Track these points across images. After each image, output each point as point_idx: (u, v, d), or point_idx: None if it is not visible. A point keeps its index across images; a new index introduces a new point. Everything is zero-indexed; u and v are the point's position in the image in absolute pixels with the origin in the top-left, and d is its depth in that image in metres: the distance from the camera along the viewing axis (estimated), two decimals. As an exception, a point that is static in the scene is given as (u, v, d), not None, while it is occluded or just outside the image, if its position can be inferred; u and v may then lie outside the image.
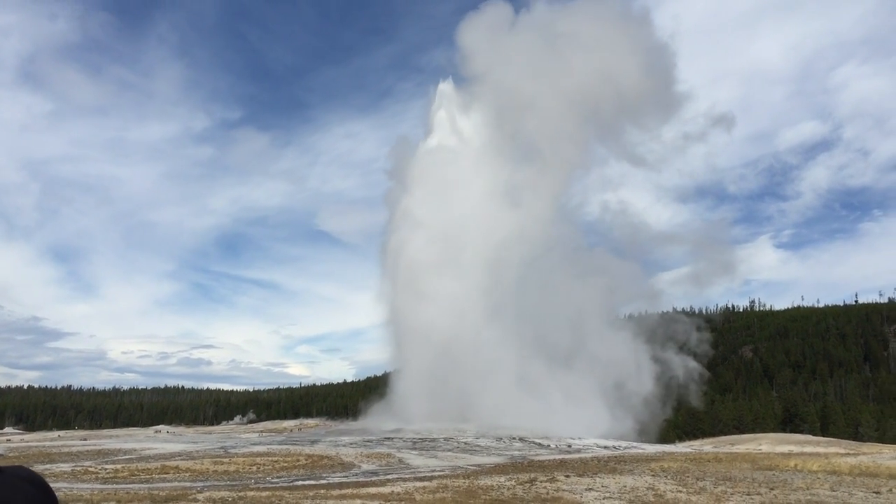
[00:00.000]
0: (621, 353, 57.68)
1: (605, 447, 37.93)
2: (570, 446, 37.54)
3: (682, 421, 74.32)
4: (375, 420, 58.88)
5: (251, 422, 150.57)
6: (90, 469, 24.44)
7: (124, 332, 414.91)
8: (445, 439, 37.62)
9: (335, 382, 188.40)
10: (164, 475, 22.94)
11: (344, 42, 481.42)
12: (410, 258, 60.76)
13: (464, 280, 58.48)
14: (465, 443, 36.78)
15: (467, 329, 56.44)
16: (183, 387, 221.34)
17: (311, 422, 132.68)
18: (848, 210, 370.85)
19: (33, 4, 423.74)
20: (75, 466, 25.42)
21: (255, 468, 25.34)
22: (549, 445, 37.65)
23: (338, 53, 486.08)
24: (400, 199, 65.05)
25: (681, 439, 62.35)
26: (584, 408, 53.10)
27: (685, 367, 62.22)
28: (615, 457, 30.69)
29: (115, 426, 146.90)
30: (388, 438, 38.24)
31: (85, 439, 50.95)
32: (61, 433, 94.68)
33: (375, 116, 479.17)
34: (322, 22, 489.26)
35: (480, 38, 65.59)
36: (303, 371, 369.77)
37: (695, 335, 66.43)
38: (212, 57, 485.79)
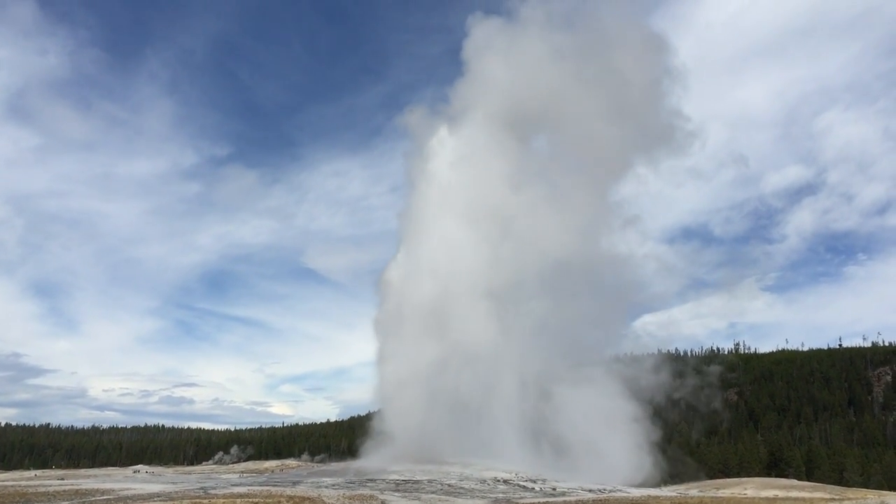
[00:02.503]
0: (607, 395, 57.41)
1: (591, 490, 37.63)
2: (554, 489, 37.20)
3: (667, 464, 73.93)
4: (359, 461, 58.20)
5: (232, 462, 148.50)
6: (66, 509, 23.98)
7: (106, 370, 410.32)
8: (429, 481, 37.20)
9: (318, 422, 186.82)
10: (142, 516, 22.54)
11: (334, 80, 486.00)
12: (407, 297, 60.22)
13: (458, 320, 57.93)
14: (449, 485, 36.39)
15: (456, 370, 55.99)
16: (164, 425, 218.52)
17: (293, 462, 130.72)
18: (833, 254, 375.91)
19: (24, 40, 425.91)
20: (51, 507, 24.93)
21: (235, 510, 24.95)
22: (533, 488, 37.32)
23: (328, 92, 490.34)
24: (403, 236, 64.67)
25: (666, 483, 61.93)
26: (570, 451, 52.88)
27: (672, 409, 62.08)
28: (600, 500, 30.45)
29: (93, 465, 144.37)
30: (371, 480, 37.77)
31: (62, 479, 49.97)
32: (38, 472, 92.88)
33: (364, 155, 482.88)
34: (312, 60, 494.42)
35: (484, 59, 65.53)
36: (286, 410, 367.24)
37: (680, 378, 66.39)
38: (202, 94, 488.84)
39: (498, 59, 65.04)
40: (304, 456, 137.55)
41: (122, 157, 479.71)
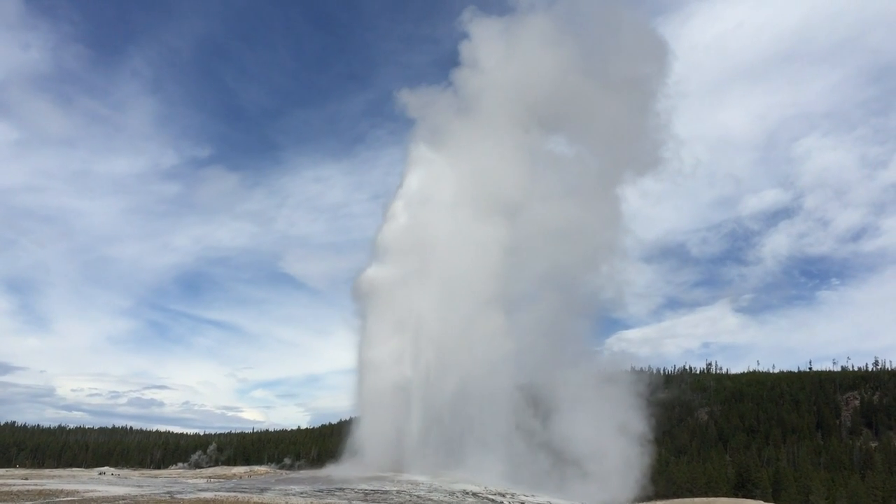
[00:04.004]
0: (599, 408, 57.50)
1: (558, 506, 37.74)
2: (523, 503, 37.27)
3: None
4: (329, 469, 57.87)
5: (199, 466, 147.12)
6: (29, 510, 23.69)
7: (75, 369, 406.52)
8: (398, 492, 37.10)
9: (289, 429, 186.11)
10: (106, 519, 22.31)
11: (319, 86, 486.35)
12: (389, 301, 59.55)
13: (442, 329, 57.60)
14: (418, 496, 36.31)
15: (434, 381, 55.78)
16: (131, 427, 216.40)
17: (262, 468, 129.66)
18: (807, 278, 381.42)
19: (6, 33, 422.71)
20: (13, 507, 24.61)
21: (201, 515, 24.76)
22: (502, 502, 37.35)
23: (312, 97, 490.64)
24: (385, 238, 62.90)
25: (651, 500, 62.15)
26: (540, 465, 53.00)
27: (641, 427, 62.08)
28: (567, 516, 30.54)
29: (58, 466, 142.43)
30: (340, 489, 37.60)
31: (26, 478, 49.32)
32: (1, 471, 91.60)
33: (347, 161, 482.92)
34: (298, 65, 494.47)
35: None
36: (257, 416, 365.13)
37: (651, 396, 66.46)
38: (185, 94, 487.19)
39: (499, 54, 64.67)
40: (273, 463, 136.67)
41: (102, 155, 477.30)
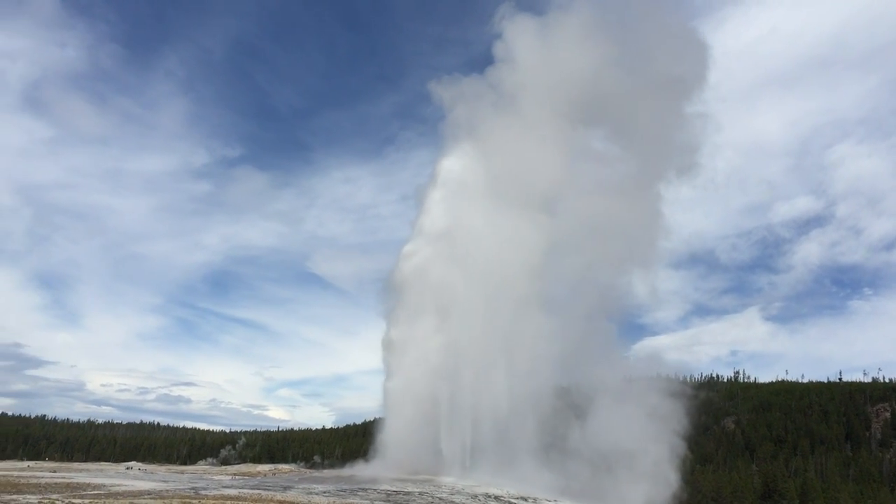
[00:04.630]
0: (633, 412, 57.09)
1: (581, 511, 37.58)
2: (545, 508, 37.19)
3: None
4: (352, 469, 58.09)
5: (225, 463, 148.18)
6: (57, 502, 24.05)
7: (105, 364, 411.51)
8: (420, 493, 37.17)
9: (314, 428, 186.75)
10: (132, 513, 22.59)
11: (349, 87, 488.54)
12: (420, 299, 59.44)
13: (464, 331, 57.45)
14: (440, 498, 36.35)
15: (463, 384, 55.69)
16: (159, 423, 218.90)
17: (286, 467, 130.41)
18: (838, 287, 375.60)
19: (44, 31, 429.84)
20: (42, 499, 25.00)
21: (224, 511, 24.99)
22: (524, 506, 37.30)
23: (343, 98, 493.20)
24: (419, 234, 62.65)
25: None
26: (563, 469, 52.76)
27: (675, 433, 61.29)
28: (590, 522, 30.40)
29: (86, 459, 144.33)
30: (363, 489, 37.74)
31: (55, 471, 50.09)
32: (31, 463, 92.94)
33: (376, 163, 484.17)
34: (329, 66, 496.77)
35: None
36: (282, 415, 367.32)
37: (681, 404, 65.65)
38: (217, 94, 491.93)
39: (535, 50, 64.18)
40: (301, 462, 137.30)
41: (134, 153, 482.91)
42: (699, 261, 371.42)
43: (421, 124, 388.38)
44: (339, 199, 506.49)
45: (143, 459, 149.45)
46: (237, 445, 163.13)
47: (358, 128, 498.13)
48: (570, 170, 63.26)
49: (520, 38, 64.71)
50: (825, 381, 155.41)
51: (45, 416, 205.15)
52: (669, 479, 56.35)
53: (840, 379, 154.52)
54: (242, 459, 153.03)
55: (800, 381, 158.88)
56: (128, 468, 77.87)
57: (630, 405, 57.53)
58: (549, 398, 57.13)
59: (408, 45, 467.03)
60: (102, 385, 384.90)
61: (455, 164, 62.93)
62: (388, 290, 62.03)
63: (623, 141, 66.15)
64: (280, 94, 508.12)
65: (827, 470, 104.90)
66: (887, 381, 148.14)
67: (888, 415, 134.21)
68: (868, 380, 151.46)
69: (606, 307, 62.82)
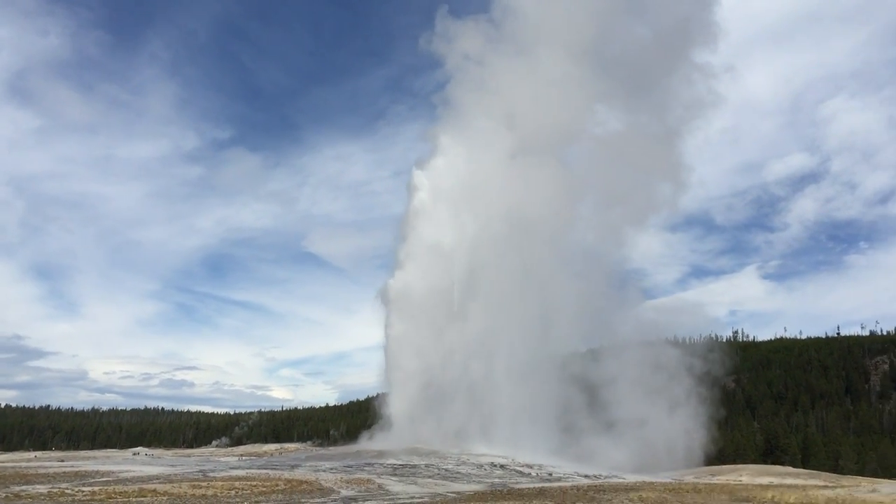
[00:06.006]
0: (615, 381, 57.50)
1: (586, 476, 37.90)
2: (550, 475, 37.51)
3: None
4: (358, 444, 58.46)
5: (231, 445, 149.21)
6: (66, 491, 24.21)
7: (106, 352, 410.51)
8: (427, 465, 37.50)
9: (317, 406, 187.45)
10: (142, 498, 22.76)
11: (338, 63, 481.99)
12: (418, 281, 59.74)
13: (468, 304, 57.70)
14: (446, 469, 36.68)
15: (464, 356, 55.94)
16: (163, 408, 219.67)
17: (291, 446, 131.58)
18: (834, 242, 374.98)
19: (25, 19, 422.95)
20: (52, 488, 25.17)
21: (233, 492, 25.19)
22: (529, 473, 37.61)
23: (331, 75, 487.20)
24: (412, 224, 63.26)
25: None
26: (564, 435, 53.26)
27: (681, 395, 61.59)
28: (595, 486, 30.70)
29: (92, 447, 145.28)
30: (369, 464, 38.07)
31: (62, 460, 50.38)
32: (38, 454, 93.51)
33: (367, 139, 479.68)
34: (316, 43, 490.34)
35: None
36: (286, 394, 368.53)
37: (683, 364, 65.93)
38: (204, 76, 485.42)
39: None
40: (309, 441, 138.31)
41: (124, 140, 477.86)
42: (695, 222, 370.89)
43: (412, 98, 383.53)
44: (332, 177, 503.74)
45: (149, 445, 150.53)
46: (250, 422, 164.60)
47: (348, 104, 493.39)
48: (585, 111, 63.93)
49: None
50: (823, 336, 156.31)
51: (49, 406, 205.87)
52: (677, 441, 56.93)
53: (838, 334, 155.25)
54: (250, 439, 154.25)
55: (798, 337, 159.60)
56: (135, 454, 78.46)
57: (636, 371, 57.93)
58: (558, 366, 57.46)
59: (396, 18, 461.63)
60: (105, 373, 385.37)
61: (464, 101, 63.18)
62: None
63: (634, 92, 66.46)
64: (267, 74, 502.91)
65: (828, 424, 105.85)
66: (885, 333, 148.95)
67: (886, 367, 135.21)
68: (866, 333, 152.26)
69: (612, 271, 63.65)
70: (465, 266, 58.95)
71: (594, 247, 64.38)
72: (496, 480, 33.81)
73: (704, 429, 57.88)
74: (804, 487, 31.71)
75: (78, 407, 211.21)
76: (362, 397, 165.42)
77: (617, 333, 63.81)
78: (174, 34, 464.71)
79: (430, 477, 33.42)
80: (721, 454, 77.35)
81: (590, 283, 61.29)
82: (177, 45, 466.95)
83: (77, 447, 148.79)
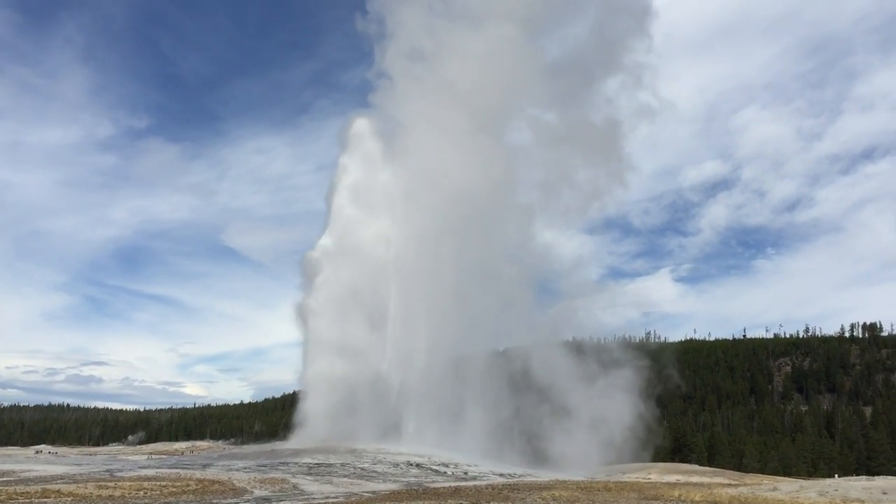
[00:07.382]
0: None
1: (501, 475, 38.31)
2: (466, 473, 37.76)
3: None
4: (273, 443, 57.75)
5: (140, 443, 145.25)
6: (-38, 492, 23.13)
7: (8, 346, 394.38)
8: (342, 465, 37.25)
9: (232, 403, 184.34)
10: (45, 499, 21.91)
11: (261, 55, 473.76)
12: (335, 278, 59.33)
13: (385, 303, 57.63)
14: (362, 468, 36.52)
15: (382, 354, 55.94)
16: (69, 405, 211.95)
17: (204, 444, 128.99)
18: (743, 247, 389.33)
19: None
20: (-54, 489, 24.00)
21: (141, 493, 24.49)
22: (445, 472, 37.78)
23: (254, 66, 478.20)
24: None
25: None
26: (487, 434, 53.72)
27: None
28: (510, 485, 31.06)
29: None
30: (284, 463, 37.59)
31: (-42, 459, 48.13)
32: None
33: (290, 132, 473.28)
34: (240, 33, 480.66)
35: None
36: (199, 391, 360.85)
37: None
38: (121, 62, 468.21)
39: None
40: (222, 440, 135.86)
41: (33, 126, 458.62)
42: (613, 225, 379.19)
43: (337, 92, 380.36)
44: (253, 171, 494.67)
45: (52, 442, 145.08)
46: (161, 420, 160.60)
47: (271, 97, 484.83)
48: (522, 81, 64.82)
49: None
50: (730, 338, 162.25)
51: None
52: (595, 439, 58.04)
53: (744, 336, 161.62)
54: (160, 436, 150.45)
55: (707, 339, 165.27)
56: (37, 452, 75.58)
57: (555, 370, 58.85)
58: (481, 365, 57.94)
59: (322, 11, 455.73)
60: (7, 367, 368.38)
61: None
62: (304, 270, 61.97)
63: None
64: (188, 63, 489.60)
65: (733, 423, 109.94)
66: (788, 336, 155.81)
67: (789, 369, 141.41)
68: (770, 336, 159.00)
69: (533, 272, 64.60)
70: (387, 264, 58.87)
71: (517, 247, 65.13)
72: (412, 479, 33.85)
73: (617, 427, 59.08)
74: (709, 486, 32.82)
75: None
76: (279, 395, 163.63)
77: (537, 333, 64.68)
78: (90, 17, 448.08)
79: (345, 476, 33.22)
80: (632, 452, 79.37)
81: (510, 283, 61.96)
82: (92, 28, 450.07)
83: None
